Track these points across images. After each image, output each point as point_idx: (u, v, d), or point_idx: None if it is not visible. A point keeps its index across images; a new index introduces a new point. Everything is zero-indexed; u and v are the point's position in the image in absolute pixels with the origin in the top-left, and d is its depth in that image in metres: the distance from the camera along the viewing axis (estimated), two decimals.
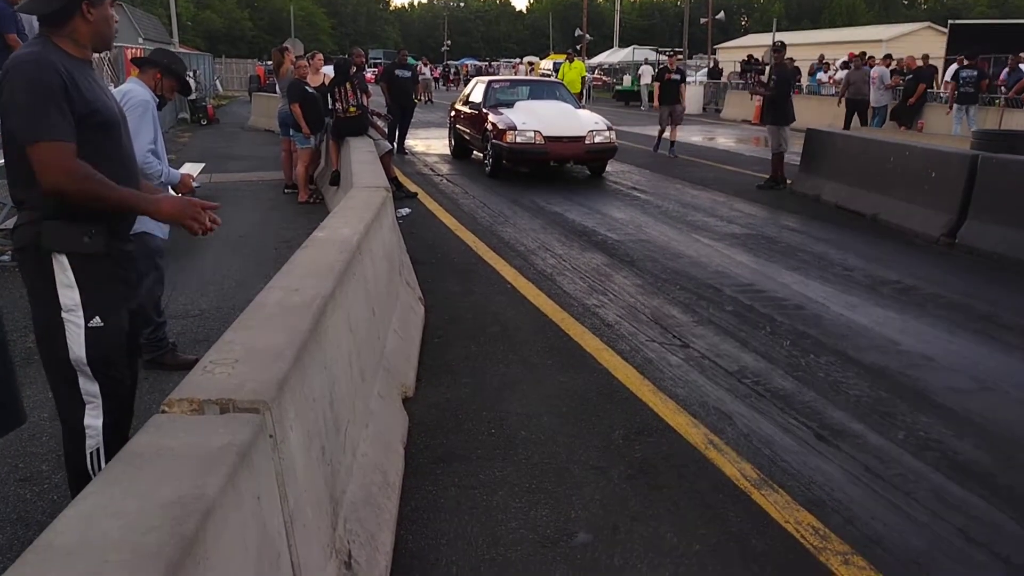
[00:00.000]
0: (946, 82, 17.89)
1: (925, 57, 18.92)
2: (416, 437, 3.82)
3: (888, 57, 18.51)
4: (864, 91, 16.53)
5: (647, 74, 33.04)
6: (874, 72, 17.31)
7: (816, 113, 19.08)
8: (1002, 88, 17.54)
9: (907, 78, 18.09)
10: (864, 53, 19.38)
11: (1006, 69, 17.69)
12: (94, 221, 2.59)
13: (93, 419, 2.70)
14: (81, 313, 2.61)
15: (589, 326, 5.53)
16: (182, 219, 2.68)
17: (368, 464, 3.11)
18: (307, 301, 2.82)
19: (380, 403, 3.64)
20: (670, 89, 15.28)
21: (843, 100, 16.68)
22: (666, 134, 15.44)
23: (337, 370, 2.88)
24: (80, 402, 2.69)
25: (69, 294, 2.61)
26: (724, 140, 19.31)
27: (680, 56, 16.07)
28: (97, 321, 2.62)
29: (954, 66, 17.21)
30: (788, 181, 11.52)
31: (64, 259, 2.58)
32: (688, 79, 36.04)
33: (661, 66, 16.76)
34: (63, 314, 2.61)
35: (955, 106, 16.31)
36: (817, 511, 3.25)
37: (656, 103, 15.98)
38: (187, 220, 2.69)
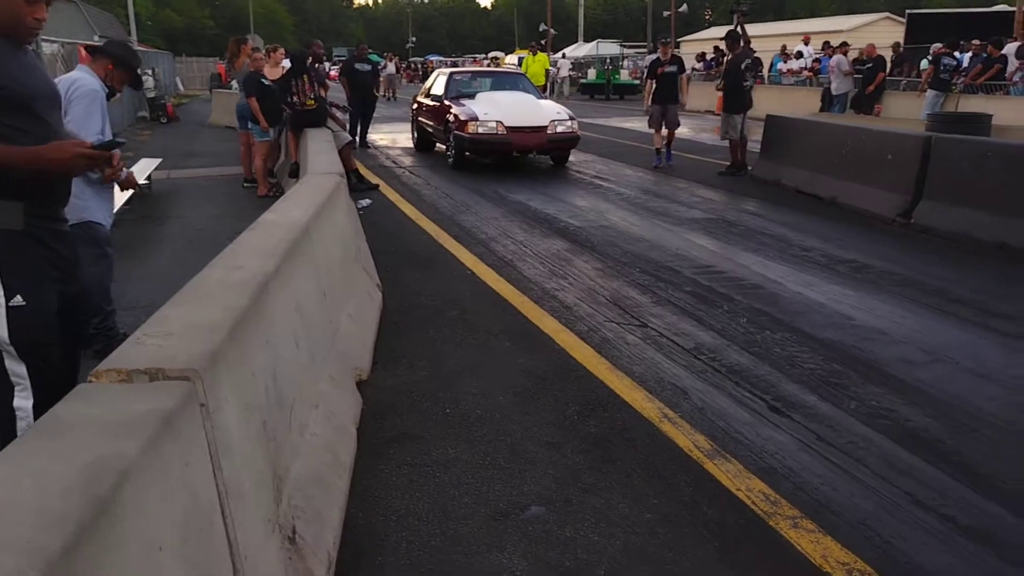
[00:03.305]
0: (924, 69, 18.06)
1: (896, 45, 19.16)
2: (370, 419, 3.79)
3: (845, 45, 18.69)
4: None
5: (564, 68, 33.47)
6: (832, 61, 17.50)
7: (778, 102, 19.23)
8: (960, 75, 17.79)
9: (867, 66, 18.30)
10: (827, 42, 19.58)
11: (967, 55, 17.94)
12: (12, 196, 2.53)
13: (23, 400, 2.65)
14: (1, 292, 2.55)
15: (548, 309, 5.52)
16: (70, 165, 2.61)
17: (318, 443, 3.07)
18: (248, 278, 2.78)
19: (332, 385, 3.60)
20: (666, 85, 12.42)
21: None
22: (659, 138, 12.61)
23: (281, 348, 2.85)
24: (8, 384, 2.64)
25: None
26: (686, 130, 19.37)
27: (667, 44, 13.22)
28: (18, 300, 2.57)
29: (932, 52, 17.37)
30: (749, 167, 11.60)
31: None
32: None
33: (654, 59, 13.18)
34: None
35: (930, 91, 16.48)
36: (768, 479, 3.27)
37: (648, 104, 12.71)
38: (75, 166, 2.62)
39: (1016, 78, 16.13)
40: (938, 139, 8.32)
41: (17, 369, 2.63)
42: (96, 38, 22.82)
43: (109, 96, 4.38)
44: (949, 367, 4.49)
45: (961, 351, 4.70)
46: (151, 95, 21.79)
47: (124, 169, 4.31)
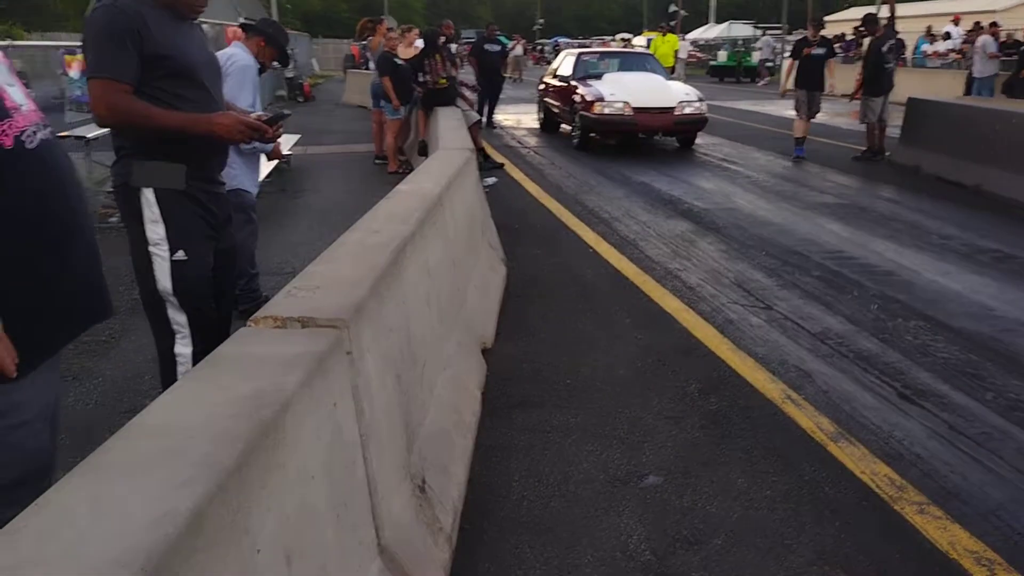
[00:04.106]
0: None
1: None
2: (493, 384, 3.92)
3: (994, 25, 17.56)
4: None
5: (767, 48, 32.13)
6: (978, 42, 16.50)
7: (921, 86, 18.29)
8: None
9: (1023, 48, 17.16)
10: (978, 23, 18.47)
11: None
12: (177, 159, 2.76)
13: (183, 347, 2.89)
14: (166, 247, 2.80)
15: (670, 288, 5.52)
16: (235, 133, 2.81)
17: (444, 403, 3.21)
18: (385, 241, 2.93)
19: (458, 349, 3.74)
20: (812, 68, 11.36)
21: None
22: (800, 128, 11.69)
23: (414, 309, 2.99)
24: (170, 331, 2.89)
25: (155, 228, 2.80)
26: (822, 114, 18.69)
27: (818, 24, 11.72)
28: (181, 255, 2.81)
29: None
30: (886, 153, 11.13)
31: (150, 195, 2.77)
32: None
33: (800, 38, 12.12)
34: (150, 248, 2.82)
35: None
36: (895, 464, 3.20)
37: (785, 87, 12.02)
38: (238, 134, 2.81)
39: None
40: None
41: (179, 318, 2.88)
42: (240, 20, 23.97)
43: (260, 71, 4.66)
44: None
45: None
46: (289, 75, 22.72)
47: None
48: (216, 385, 1.67)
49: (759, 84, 30.39)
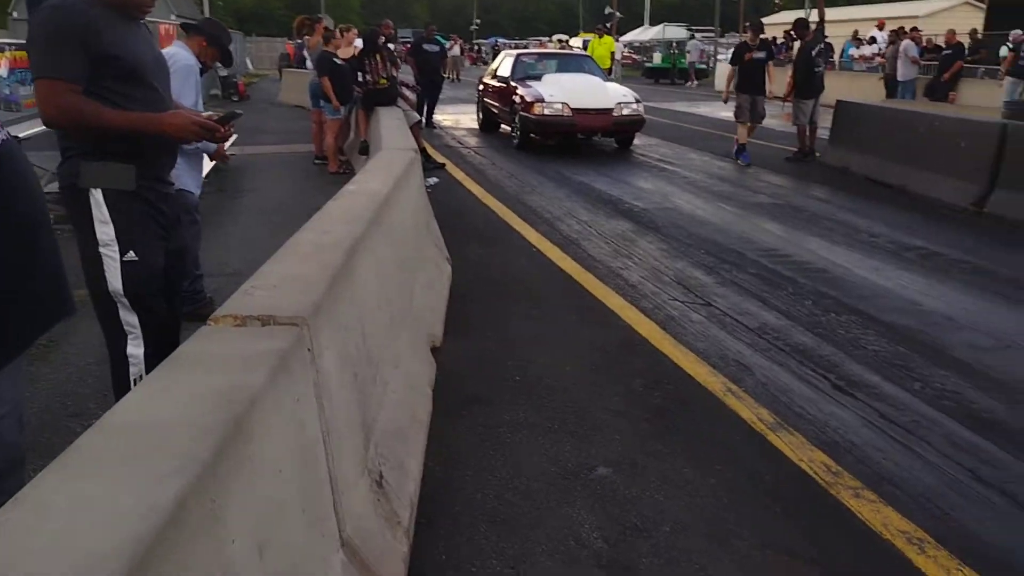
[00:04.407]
0: (1004, 56, 17.53)
1: (973, 32, 18.63)
2: (443, 382, 3.96)
3: (915, 30, 18.24)
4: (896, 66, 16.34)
5: (695, 50, 32.73)
6: (901, 47, 17.12)
7: (848, 88, 18.89)
8: None
9: (945, 53, 17.85)
10: (902, 28, 19.12)
11: None
12: (126, 159, 2.75)
13: (135, 348, 2.88)
14: (116, 248, 2.78)
15: (613, 286, 5.64)
16: (186, 132, 2.81)
17: (397, 400, 3.25)
18: (338, 241, 2.96)
19: (409, 348, 3.78)
20: (753, 73, 11.31)
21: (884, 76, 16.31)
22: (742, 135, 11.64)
23: (367, 308, 3.02)
24: (122, 332, 2.87)
25: (104, 229, 2.78)
26: None
27: (756, 27, 11.85)
28: (132, 255, 2.80)
29: (1012, 39, 16.85)
30: (816, 154, 11.48)
31: (99, 195, 2.75)
32: (723, 57, 34.97)
33: (740, 42, 12.00)
34: (100, 249, 2.79)
35: (1008, 79, 16.01)
36: (830, 451, 3.35)
37: (728, 92, 11.86)
38: (190, 133, 2.81)
39: None
40: (1015, 127, 8.17)
41: (130, 319, 2.86)
42: (173, 17, 23.47)
43: (201, 72, 4.62)
44: (1018, 353, 4.49)
45: None
46: (223, 73, 22.34)
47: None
48: (184, 382, 1.69)
49: (689, 86, 31.02)
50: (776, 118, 17.25)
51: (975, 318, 5.03)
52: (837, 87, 17.40)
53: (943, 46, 18.13)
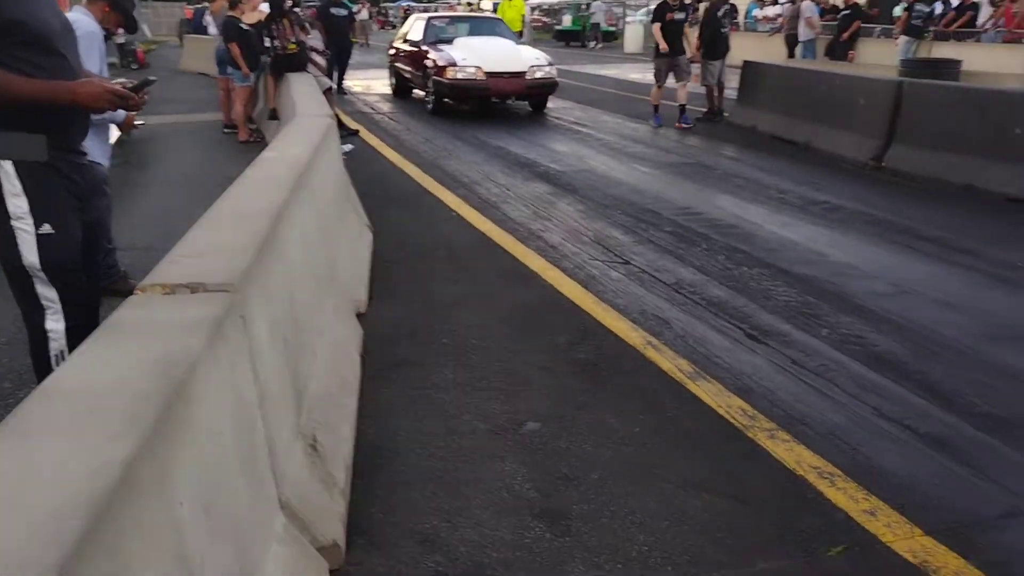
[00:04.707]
0: (898, 16, 18.14)
1: None
2: (371, 347, 3.99)
3: None
4: (795, 27, 16.71)
5: (600, 12, 32.85)
6: (802, 7, 17.60)
7: (753, 49, 19.33)
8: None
9: (843, 13, 18.40)
10: None
11: (938, 2, 18.07)
12: (37, 129, 2.66)
13: (54, 323, 2.81)
14: (31, 220, 2.70)
15: (534, 248, 5.72)
16: (100, 101, 2.73)
17: (327, 367, 3.27)
18: (263, 208, 2.94)
19: (335, 315, 3.78)
20: (675, 33, 11.21)
21: (784, 36, 16.68)
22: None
23: (294, 275, 3.02)
24: (40, 307, 2.80)
25: (16, 202, 2.69)
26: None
27: None
28: (47, 228, 2.72)
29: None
30: (725, 114, 11.77)
31: (9, 167, 2.66)
32: (632, 19, 35.20)
33: (661, 2, 11.50)
34: (12, 223, 2.70)
35: (903, 38, 16.63)
36: (746, 396, 3.53)
37: (695, 53, 11.45)
38: (103, 102, 2.73)
39: (987, 25, 16.35)
40: (909, 84, 8.56)
41: (48, 293, 2.79)
42: None
43: (106, 39, 4.46)
44: (915, 298, 4.76)
45: (926, 283, 4.98)
46: (120, 41, 21.40)
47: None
48: (123, 349, 1.69)
49: (592, 47, 31.25)
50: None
51: (875, 267, 5.30)
52: (743, 48, 17.76)
53: (841, 6, 18.68)
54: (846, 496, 2.83)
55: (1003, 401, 3.50)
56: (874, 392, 3.59)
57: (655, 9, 11.81)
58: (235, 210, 2.92)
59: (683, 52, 11.33)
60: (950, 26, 17.05)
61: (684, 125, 11.23)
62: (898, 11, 17.84)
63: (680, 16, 11.26)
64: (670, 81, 11.43)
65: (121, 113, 4.38)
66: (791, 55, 16.73)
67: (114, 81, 3.05)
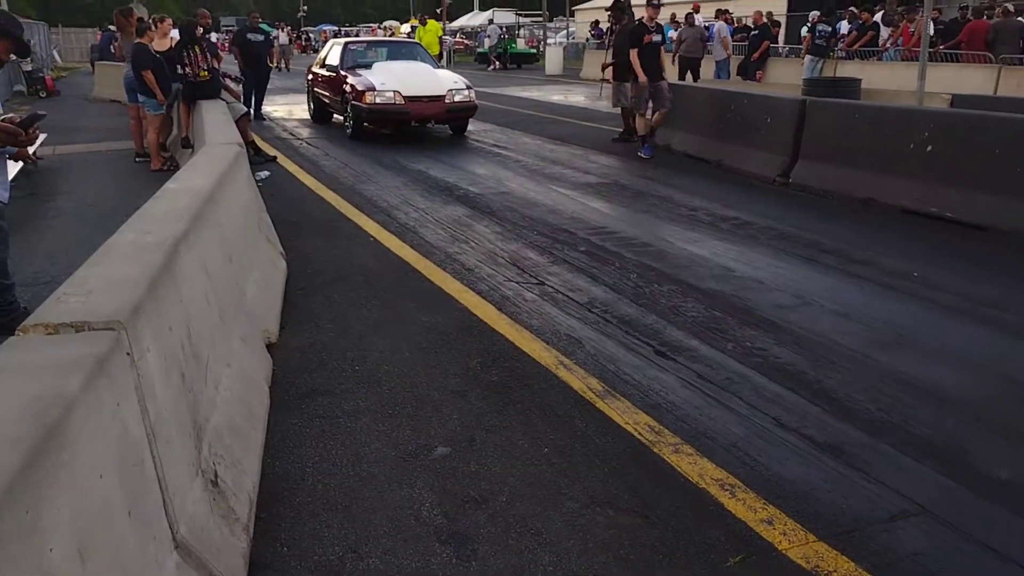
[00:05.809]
0: (804, 36, 18.78)
1: (769, 14, 19.99)
2: (280, 377, 3.95)
3: (727, 12, 19.37)
4: (695, 48, 16.88)
5: (495, 35, 33.43)
6: (715, 28, 18.13)
7: (669, 70, 19.81)
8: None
9: (752, 34, 19.01)
10: (697, 8, 20.09)
11: (843, 22, 18.82)
12: None
13: None
14: None
15: (450, 271, 5.75)
16: None
17: (232, 398, 3.23)
18: (159, 241, 2.91)
19: (242, 345, 3.74)
20: (652, 56, 10.37)
21: (676, 58, 16.51)
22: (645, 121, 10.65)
23: (193, 307, 2.99)
24: None
25: None
26: (582, 98, 19.81)
27: (656, 6, 10.54)
28: None
29: (811, 20, 18.08)
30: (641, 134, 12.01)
31: None
32: (552, 41, 35.72)
33: (636, 23, 10.68)
34: None
35: (808, 57, 17.22)
36: (654, 413, 3.61)
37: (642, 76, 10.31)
38: None
39: (888, 43, 17.09)
40: (812, 102, 8.88)
41: None
42: None
43: None
44: (815, 309, 4.94)
45: (826, 295, 5.17)
46: (27, 68, 20.80)
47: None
48: None
49: (489, 70, 31.72)
50: (604, 100, 17.91)
51: (780, 280, 5.49)
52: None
53: (751, 26, 19.32)
54: (745, 507, 2.92)
55: (894, 406, 3.66)
56: (774, 403, 3.71)
57: (629, 33, 10.74)
58: (131, 243, 2.88)
59: (662, 77, 10.59)
60: (852, 45, 17.78)
61: (645, 156, 10.53)
62: (804, 32, 18.52)
63: (658, 38, 10.52)
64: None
65: (13, 148, 4.27)
66: (681, 77, 16.58)
67: (3, 116, 2.98)
